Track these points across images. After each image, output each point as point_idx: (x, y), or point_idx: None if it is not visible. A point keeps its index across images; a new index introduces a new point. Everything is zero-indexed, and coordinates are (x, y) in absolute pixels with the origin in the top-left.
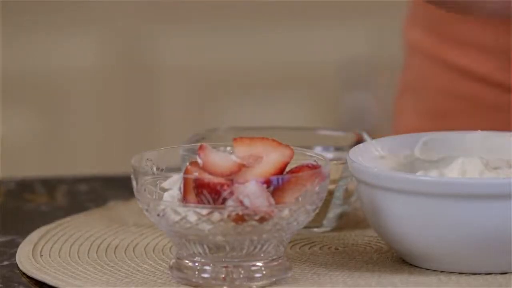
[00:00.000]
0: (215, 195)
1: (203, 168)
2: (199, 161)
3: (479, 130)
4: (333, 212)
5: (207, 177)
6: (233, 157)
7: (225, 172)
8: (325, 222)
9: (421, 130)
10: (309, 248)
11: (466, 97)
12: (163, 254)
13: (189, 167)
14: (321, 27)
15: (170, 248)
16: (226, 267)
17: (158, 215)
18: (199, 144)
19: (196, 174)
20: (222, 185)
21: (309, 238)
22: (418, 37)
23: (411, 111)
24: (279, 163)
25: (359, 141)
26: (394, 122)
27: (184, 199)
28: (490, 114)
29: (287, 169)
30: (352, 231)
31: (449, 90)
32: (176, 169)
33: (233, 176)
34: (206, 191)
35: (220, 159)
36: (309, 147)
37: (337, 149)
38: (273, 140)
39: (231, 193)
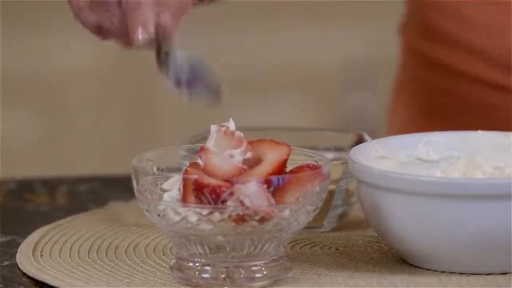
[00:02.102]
0: (215, 197)
1: (204, 171)
2: (200, 163)
3: (479, 130)
4: (333, 212)
5: (207, 179)
6: (234, 161)
7: (226, 175)
8: (325, 222)
9: (415, 130)
10: (309, 248)
11: (460, 97)
12: (163, 254)
13: (188, 168)
14: (321, 27)
15: (170, 249)
16: (226, 267)
17: (159, 215)
18: (199, 144)
19: (195, 176)
20: (220, 187)
21: (310, 238)
22: (413, 38)
23: (405, 111)
24: (277, 161)
25: (360, 141)
26: (388, 121)
27: (184, 200)
28: (485, 113)
29: (288, 169)
30: (352, 231)
31: (444, 89)
32: (176, 169)
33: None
34: (205, 193)
35: (221, 162)
36: (310, 148)
37: (337, 149)
38: (271, 141)
39: (231, 194)
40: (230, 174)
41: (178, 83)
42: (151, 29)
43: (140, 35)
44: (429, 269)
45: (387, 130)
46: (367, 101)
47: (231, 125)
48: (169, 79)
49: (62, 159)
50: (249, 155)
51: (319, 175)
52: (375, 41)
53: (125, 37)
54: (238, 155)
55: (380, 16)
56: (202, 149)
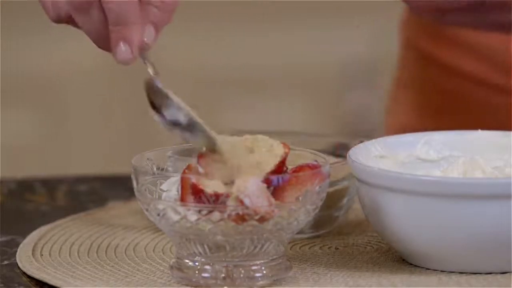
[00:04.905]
0: (215, 198)
1: (205, 176)
2: (200, 169)
3: (479, 130)
4: (337, 213)
5: (206, 181)
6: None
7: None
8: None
9: (415, 127)
10: (309, 248)
11: (458, 95)
12: (163, 253)
13: (186, 170)
14: (321, 27)
15: (170, 248)
16: (226, 266)
17: (158, 214)
18: (195, 145)
19: (194, 178)
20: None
21: (309, 238)
22: (413, 36)
23: (405, 108)
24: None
25: (338, 146)
26: (386, 121)
27: (182, 200)
28: (484, 113)
29: (288, 169)
30: (352, 231)
31: (442, 88)
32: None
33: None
34: (205, 194)
35: (221, 165)
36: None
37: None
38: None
39: (228, 196)
40: (230, 178)
41: (173, 125)
42: (136, 52)
43: (123, 55)
44: (429, 269)
45: (385, 129)
46: (368, 100)
47: None
48: (164, 120)
49: (62, 159)
50: None
51: (319, 174)
52: (375, 41)
53: (103, 43)
54: None
55: (381, 16)
56: (201, 155)
